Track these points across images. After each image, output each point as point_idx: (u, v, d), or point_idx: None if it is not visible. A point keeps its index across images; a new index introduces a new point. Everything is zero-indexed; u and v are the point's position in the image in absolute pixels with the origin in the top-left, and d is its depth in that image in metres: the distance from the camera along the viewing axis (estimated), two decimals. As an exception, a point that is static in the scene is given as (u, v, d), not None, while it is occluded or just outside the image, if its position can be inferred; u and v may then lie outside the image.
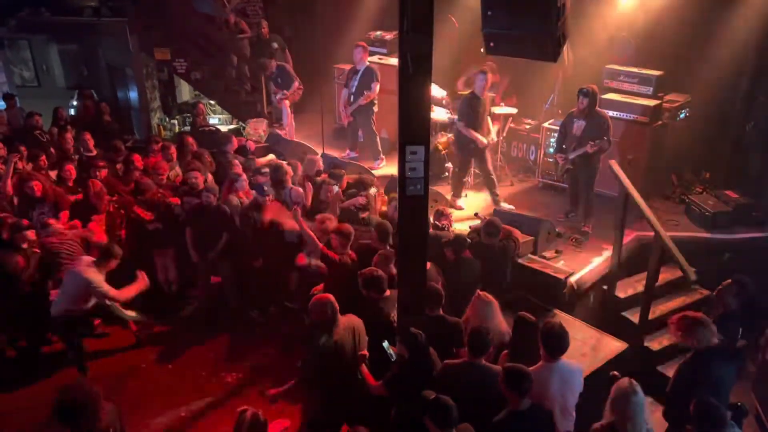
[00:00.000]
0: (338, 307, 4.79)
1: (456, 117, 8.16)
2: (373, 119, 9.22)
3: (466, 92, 8.38)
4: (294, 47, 11.37)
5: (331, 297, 4.82)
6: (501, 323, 4.90)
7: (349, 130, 9.67)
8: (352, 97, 9.15)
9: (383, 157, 9.37)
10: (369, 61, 9.16)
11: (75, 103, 10.78)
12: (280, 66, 10.06)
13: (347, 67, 10.03)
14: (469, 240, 6.04)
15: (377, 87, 8.94)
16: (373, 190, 7.48)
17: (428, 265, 5.14)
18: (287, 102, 10.16)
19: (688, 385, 4.29)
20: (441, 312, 4.93)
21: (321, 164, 8.20)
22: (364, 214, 6.87)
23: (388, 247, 5.97)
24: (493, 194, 8.13)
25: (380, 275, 5.14)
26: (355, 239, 6.01)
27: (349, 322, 4.89)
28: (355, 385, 4.83)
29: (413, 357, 4.41)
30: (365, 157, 9.50)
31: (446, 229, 6.49)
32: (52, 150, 8.57)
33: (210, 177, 7.81)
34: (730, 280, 5.22)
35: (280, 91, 10.27)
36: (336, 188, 7.27)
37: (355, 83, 9.05)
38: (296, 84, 10.18)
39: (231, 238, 6.97)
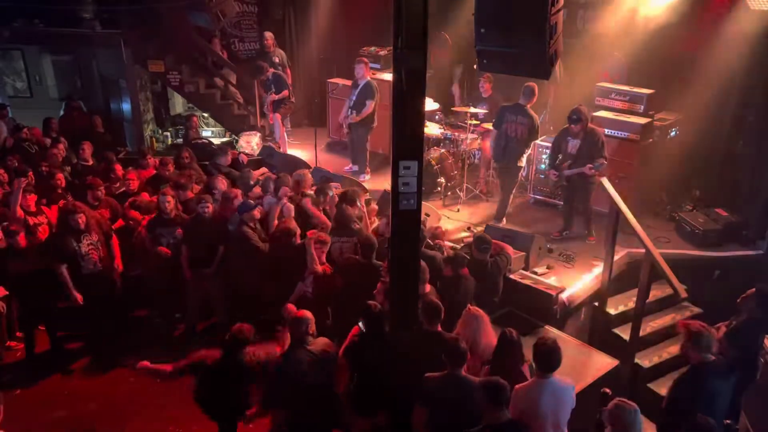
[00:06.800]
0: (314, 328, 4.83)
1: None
2: (368, 135, 9.27)
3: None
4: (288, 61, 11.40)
5: (309, 314, 4.83)
6: (491, 338, 4.84)
7: (350, 143, 9.69)
8: (350, 110, 9.19)
9: (369, 170, 9.45)
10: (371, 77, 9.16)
11: (62, 113, 10.74)
12: (276, 74, 10.03)
13: (341, 81, 10.05)
14: (466, 257, 6.03)
15: (372, 105, 8.94)
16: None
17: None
18: (279, 115, 10.15)
19: (685, 401, 4.27)
20: (439, 328, 4.85)
21: (310, 179, 7.80)
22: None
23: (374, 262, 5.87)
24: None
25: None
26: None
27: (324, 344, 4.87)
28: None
29: (369, 328, 4.69)
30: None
31: (440, 249, 6.37)
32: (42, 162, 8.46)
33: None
34: (753, 289, 5.26)
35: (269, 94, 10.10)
36: (331, 192, 7.14)
37: (354, 97, 9.11)
38: (287, 92, 10.09)
39: (226, 252, 6.73)
